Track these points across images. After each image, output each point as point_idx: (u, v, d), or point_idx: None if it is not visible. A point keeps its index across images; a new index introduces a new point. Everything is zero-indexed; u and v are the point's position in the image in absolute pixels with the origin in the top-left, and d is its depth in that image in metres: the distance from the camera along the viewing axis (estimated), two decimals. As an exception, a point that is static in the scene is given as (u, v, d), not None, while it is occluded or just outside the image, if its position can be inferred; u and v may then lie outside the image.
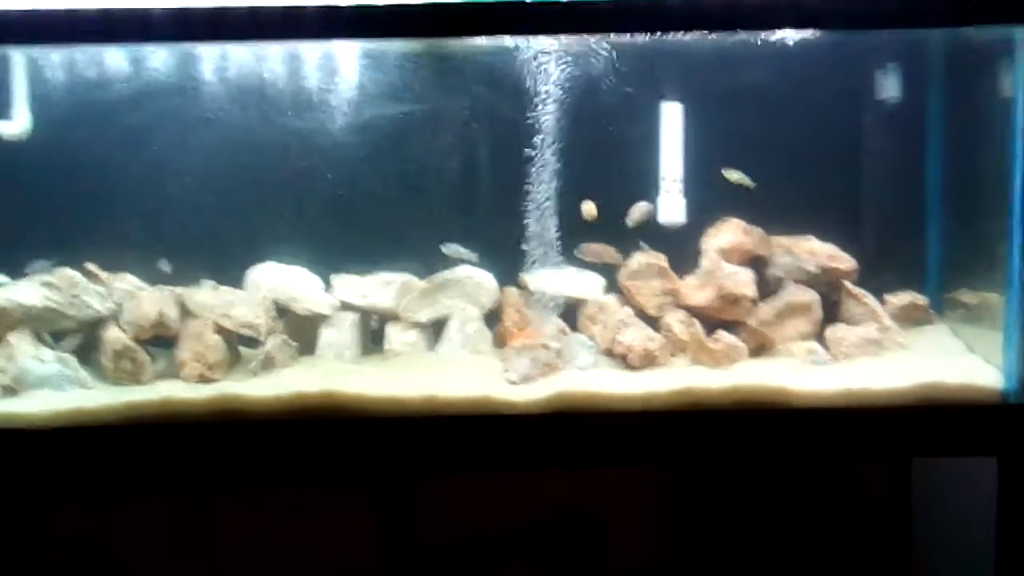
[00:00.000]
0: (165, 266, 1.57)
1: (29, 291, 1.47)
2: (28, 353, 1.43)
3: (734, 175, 1.53)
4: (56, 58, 1.55)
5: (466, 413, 1.33)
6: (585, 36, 1.42)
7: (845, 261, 1.58)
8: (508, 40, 1.43)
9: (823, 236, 1.60)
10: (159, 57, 1.56)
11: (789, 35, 1.43)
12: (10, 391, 1.41)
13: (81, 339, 1.51)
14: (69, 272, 1.51)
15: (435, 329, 1.59)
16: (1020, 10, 1.28)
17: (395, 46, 1.53)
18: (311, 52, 1.56)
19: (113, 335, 1.48)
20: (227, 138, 1.61)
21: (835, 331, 1.50)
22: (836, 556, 1.75)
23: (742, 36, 1.40)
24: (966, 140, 1.55)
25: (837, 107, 1.67)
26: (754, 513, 1.76)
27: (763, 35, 1.42)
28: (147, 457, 1.33)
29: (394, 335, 1.57)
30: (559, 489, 1.75)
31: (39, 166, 1.59)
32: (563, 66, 1.48)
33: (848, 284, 1.57)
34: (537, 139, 1.50)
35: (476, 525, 1.74)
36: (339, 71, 1.58)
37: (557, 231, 1.53)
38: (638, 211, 1.55)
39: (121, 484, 1.55)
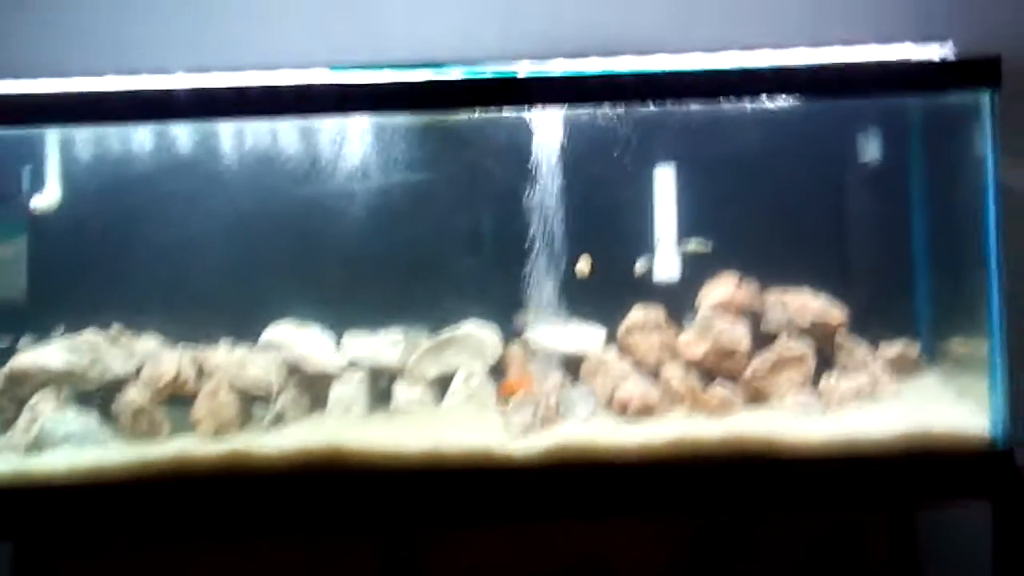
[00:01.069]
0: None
1: (52, 353, 1.55)
2: (51, 413, 1.49)
3: (691, 245, 1.60)
4: (82, 134, 1.67)
5: (467, 466, 1.38)
6: (579, 107, 1.51)
7: (837, 314, 1.63)
8: (508, 111, 1.53)
9: (818, 289, 1.65)
10: (176, 132, 1.67)
11: (779, 103, 1.52)
12: (33, 449, 1.47)
13: (102, 399, 1.58)
14: (91, 336, 1.59)
15: (441, 385, 1.64)
16: (984, 77, 1.37)
17: (399, 119, 1.63)
18: (322, 125, 1.67)
19: (132, 395, 1.55)
20: (243, 208, 1.70)
21: (828, 381, 1.54)
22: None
23: (733, 105, 1.49)
24: (948, 197, 1.62)
25: (829, 169, 1.74)
26: (765, 564, 1.76)
27: (753, 103, 1.51)
28: (161, 511, 1.38)
29: (401, 391, 1.63)
30: (568, 542, 1.76)
31: (68, 235, 1.69)
32: (562, 134, 1.57)
33: (840, 336, 1.61)
34: (538, 203, 1.59)
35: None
36: (348, 142, 1.68)
37: (559, 289, 1.60)
38: (641, 265, 1.62)
39: (136, 537, 1.59)
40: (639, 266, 1.61)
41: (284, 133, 1.69)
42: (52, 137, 1.65)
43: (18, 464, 1.44)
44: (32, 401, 1.51)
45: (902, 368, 1.63)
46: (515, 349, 1.66)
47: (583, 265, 1.61)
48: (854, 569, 1.73)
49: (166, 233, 1.71)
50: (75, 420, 1.50)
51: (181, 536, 1.51)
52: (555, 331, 1.62)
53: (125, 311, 1.66)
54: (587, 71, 1.57)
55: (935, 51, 1.60)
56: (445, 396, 1.62)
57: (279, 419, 1.55)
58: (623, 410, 1.52)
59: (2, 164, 1.65)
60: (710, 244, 1.64)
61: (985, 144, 1.38)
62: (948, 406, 1.48)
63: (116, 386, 1.57)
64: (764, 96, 1.47)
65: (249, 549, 1.71)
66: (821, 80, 1.42)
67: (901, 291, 1.73)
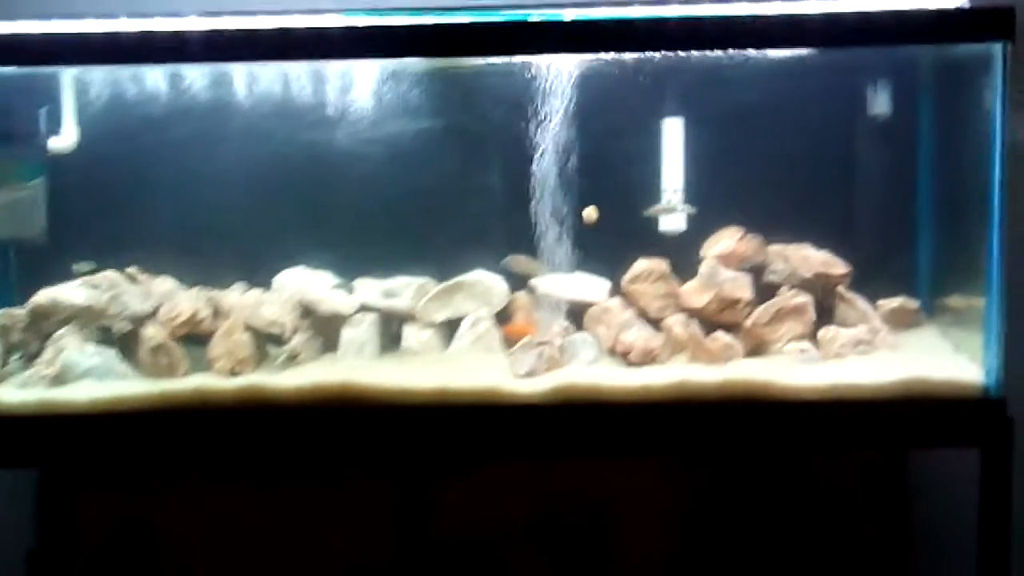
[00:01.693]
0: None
1: (75, 290, 1.60)
2: (74, 347, 1.55)
3: (678, 206, 1.62)
4: (99, 77, 1.69)
5: (475, 404, 1.43)
6: (591, 55, 1.52)
7: (839, 267, 1.66)
8: (520, 59, 1.54)
9: (819, 244, 1.68)
10: (192, 75, 1.69)
11: (786, 53, 1.52)
12: (58, 381, 1.53)
13: (121, 335, 1.63)
14: (111, 274, 1.64)
15: (449, 329, 1.69)
16: (997, 28, 1.36)
17: (412, 64, 1.65)
18: (335, 69, 1.68)
19: (151, 332, 1.60)
20: (257, 153, 1.73)
21: (826, 332, 1.58)
22: (837, 547, 1.80)
23: (741, 54, 1.50)
24: (954, 152, 1.63)
25: (833, 122, 1.75)
26: (760, 508, 1.82)
27: (761, 53, 1.51)
28: (180, 441, 1.45)
29: (411, 334, 1.67)
30: (569, 484, 1.82)
31: (85, 178, 1.72)
32: (571, 83, 1.58)
33: (841, 289, 1.64)
34: (546, 152, 1.61)
35: (488, 518, 1.81)
36: (359, 88, 1.70)
37: (564, 238, 1.63)
38: (668, 204, 1.64)
39: (156, 466, 1.66)
40: (667, 204, 1.64)
41: (296, 78, 1.71)
42: (68, 79, 1.68)
43: (43, 395, 1.50)
44: (56, 334, 1.56)
45: (901, 321, 1.66)
46: (521, 296, 1.70)
47: (590, 213, 1.63)
48: (848, 510, 1.79)
49: (179, 178, 1.74)
50: (97, 354, 1.55)
51: (199, 467, 1.57)
52: (561, 280, 1.66)
53: (140, 253, 1.70)
54: (599, 16, 1.57)
55: (949, 1, 1.59)
56: (453, 339, 1.66)
57: (293, 359, 1.60)
58: (626, 356, 1.57)
59: (18, 105, 1.68)
60: (686, 207, 1.66)
61: (995, 99, 1.37)
62: (944, 357, 1.52)
63: (136, 323, 1.62)
64: (776, 45, 1.47)
65: (266, 489, 1.78)
66: (833, 29, 1.41)
67: (904, 247, 1.75)
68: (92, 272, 1.63)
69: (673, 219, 1.72)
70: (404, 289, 1.69)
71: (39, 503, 1.81)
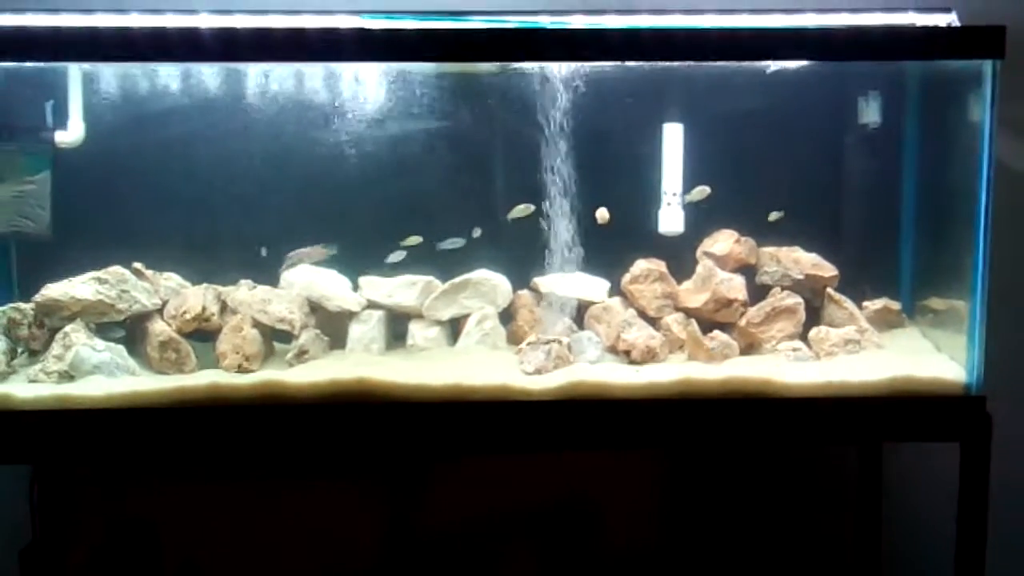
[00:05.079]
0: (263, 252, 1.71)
1: (83, 285, 1.60)
2: (83, 342, 1.55)
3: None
4: (107, 71, 1.69)
5: (487, 399, 1.47)
6: (598, 63, 1.56)
7: (828, 269, 1.74)
8: (527, 65, 1.58)
9: (808, 247, 1.76)
10: (201, 71, 1.70)
11: (780, 65, 1.59)
12: (66, 377, 1.53)
13: (130, 330, 1.64)
14: (119, 269, 1.64)
15: (454, 327, 1.72)
16: (987, 46, 1.43)
17: (419, 66, 1.68)
18: (344, 70, 1.70)
19: (159, 327, 1.61)
20: (264, 152, 1.74)
21: (818, 332, 1.65)
22: (811, 538, 1.89)
23: (739, 66, 1.55)
24: (938, 162, 1.71)
25: (823, 130, 1.82)
26: (739, 500, 1.90)
27: (758, 64, 1.57)
28: (195, 437, 1.46)
29: (417, 331, 1.71)
30: (556, 479, 1.87)
31: (92, 172, 1.72)
32: (576, 89, 1.62)
33: (830, 290, 1.72)
34: (549, 155, 1.65)
35: (477, 512, 1.86)
36: (367, 88, 1.72)
37: (567, 239, 1.67)
38: (697, 192, 1.68)
39: (172, 462, 1.66)
40: (691, 195, 1.68)
41: (303, 77, 1.72)
42: (75, 73, 1.67)
43: (58, 391, 1.49)
44: (65, 330, 1.56)
45: (884, 321, 1.75)
46: (525, 295, 1.74)
47: (603, 213, 1.69)
48: (823, 500, 1.88)
49: (184, 174, 1.75)
50: (106, 350, 1.55)
51: (216, 461, 1.58)
52: (562, 279, 1.71)
53: (145, 249, 1.70)
54: (604, 26, 1.62)
55: (941, 20, 1.66)
56: (459, 337, 1.70)
57: (301, 355, 1.62)
58: (628, 354, 1.62)
59: (25, 98, 1.67)
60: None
61: (984, 112, 1.43)
62: (928, 357, 1.60)
63: (144, 318, 1.63)
64: (774, 58, 1.53)
65: (262, 489, 1.80)
66: (829, 44, 1.47)
67: (888, 251, 1.83)
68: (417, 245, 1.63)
69: (673, 221, 1.76)
70: (408, 287, 1.73)
71: (33, 501, 1.80)
